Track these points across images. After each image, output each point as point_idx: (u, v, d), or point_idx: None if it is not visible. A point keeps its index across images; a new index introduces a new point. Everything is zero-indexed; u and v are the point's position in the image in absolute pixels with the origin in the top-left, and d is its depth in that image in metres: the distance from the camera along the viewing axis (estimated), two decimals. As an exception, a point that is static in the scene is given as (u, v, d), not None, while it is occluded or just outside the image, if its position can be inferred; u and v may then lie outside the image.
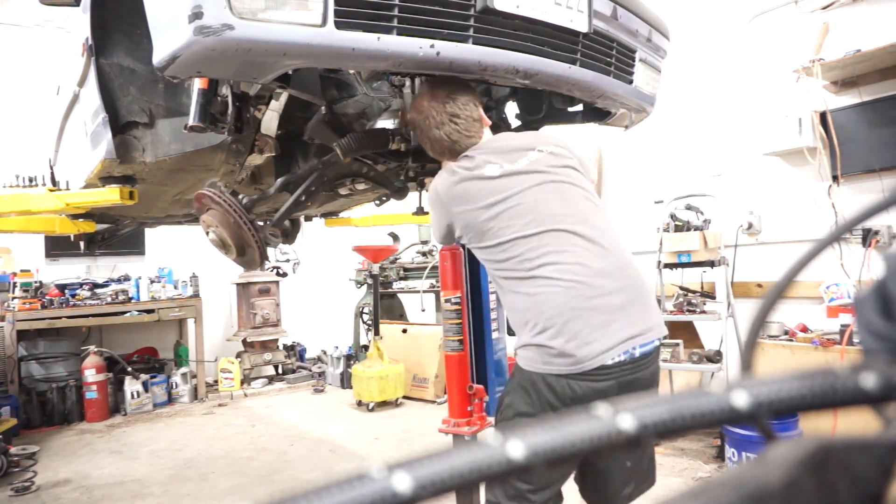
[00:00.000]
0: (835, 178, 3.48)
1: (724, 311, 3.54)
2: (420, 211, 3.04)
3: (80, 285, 5.42)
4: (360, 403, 5.09)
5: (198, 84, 1.56)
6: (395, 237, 6.07)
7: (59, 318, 5.08)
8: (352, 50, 1.31)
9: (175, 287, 5.83)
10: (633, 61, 2.00)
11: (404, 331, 5.65)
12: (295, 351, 6.67)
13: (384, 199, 2.83)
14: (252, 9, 1.20)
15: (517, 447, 0.28)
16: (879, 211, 0.36)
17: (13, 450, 4.06)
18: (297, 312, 6.79)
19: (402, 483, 0.26)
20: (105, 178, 2.23)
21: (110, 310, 5.32)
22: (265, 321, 6.26)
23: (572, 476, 1.66)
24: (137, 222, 3.78)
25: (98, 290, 5.45)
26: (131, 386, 5.27)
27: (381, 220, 4.28)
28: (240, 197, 2.08)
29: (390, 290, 6.21)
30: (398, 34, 1.35)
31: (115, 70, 1.89)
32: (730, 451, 3.04)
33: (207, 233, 2.08)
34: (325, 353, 6.76)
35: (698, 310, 3.67)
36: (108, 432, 4.77)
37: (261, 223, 2.15)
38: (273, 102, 1.83)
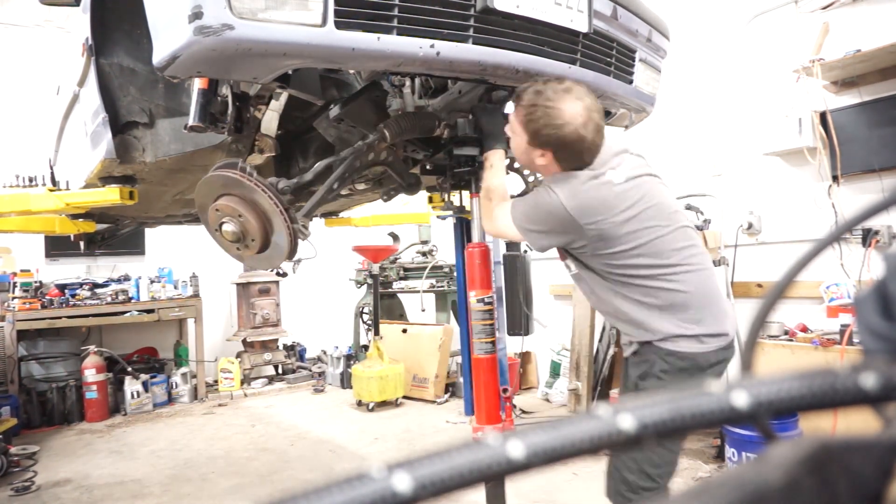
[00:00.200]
0: (835, 178, 3.48)
1: (724, 311, 3.53)
2: (461, 209, 2.67)
3: (80, 285, 5.42)
4: (360, 403, 5.09)
5: (198, 84, 1.56)
6: (395, 237, 6.07)
7: (59, 318, 5.08)
8: (352, 50, 1.31)
9: (175, 287, 5.83)
10: (633, 61, 2.00)
11: (404, 331, 5.65)
12: (295, 351, 6.67)
13: (393, 193, 2.67)
14: (252, 9, 1.20)
15: (517, 447, 0.28)
16: (879, 211, 0.36)
17: (13, 450, 4.06)
18: (297, 312, 6.79)
19: (402, 483, 0.26)
20: (105, 178, 2.23)
21: (110, 310, 5.32)
22: (265, 321, 6.26)
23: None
24: (137, 222, 3.78)
25: (98, 290, 5.45)
26: (131, 386, 5.27)
27: (381, 220, 4.27)
28: (271, 180, 1.79)
29: (390, 290, 6.21)
30: (398, 34, 1.35)
31: (115, 70, 1.89)
32: (730, 451, 3.04)
33: (222, 223, 1.75)
34: (325, 353, 6.76)
35: (698, 310, 3.66)
36: (108, 432, 4.77)
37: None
38: (273, 102, 1.82)
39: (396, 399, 5.13)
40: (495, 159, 1.84)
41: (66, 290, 5.30)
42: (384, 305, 6.02)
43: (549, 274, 5.27)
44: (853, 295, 3.25)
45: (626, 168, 1.65)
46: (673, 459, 1.67)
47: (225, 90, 1.63)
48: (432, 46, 1.40)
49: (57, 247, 5.45)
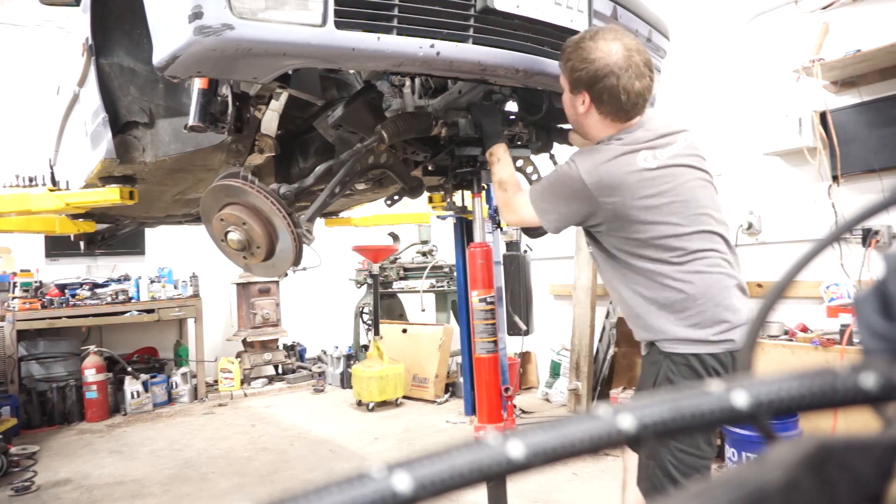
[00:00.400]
0: (835, 178, 3.48)
1: (724, 311, 3.53)
2: (463, 209, 2.65)
3: (80, 285, 5.42)
4: (359, 403, 5.09)
5: (198, 84, 1.56)
6: (395, 237, 6.07)
7: (59, 317, 5.08)
8: (352, 50, 1.31)
9: (175, 287, 5.83)
10: (633, 61, 1.99)
11: (404, 331, 5.65)
12: (295, 351, 6.67)
13: (396, 197, 2.66)
14: (252, 9, 1.20)
15: (517, 447, 0.28)
16: (879, 211, 0.36)
17: (13, 450, 4.06)
18: (297, 312, 6.79)
19: (402, 483, 0.26)
20: (105, 178, 2.23)
21: (110, 310, 5.32)
22: (265, 321, 6.27)
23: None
24: (137, 222, 3.78)
25: (98, 290, 5.45)
26: (131, 386, 5.27)
27: (381, 220, 4.27)
28: (273, 187, 1.79)
29: (390, 290, 6.21)
30: (398, 34, 1.35)
31: (115, 70, 1.89)
32: (730, 451, 3.04)
33: (227, 233, 1.75)
34: (325, 352, 6.76)
35: (698, 310, 3.66)
36: (108, 432, 4.77)
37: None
38: (273, 102, 1.82)
39: (396, 399, 5.13)
40: (500, 153, 1.85)
41: (66, 290, 5.31)
42: (384, 305, 6.02)
43: (549, 274, 5.27)
44: (853, 295, 3.25)
45: (668, 153, 1.57)
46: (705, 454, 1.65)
47: (225, 90, 1.63)
48: (432, 46, 1.40)
49: (57, 247, 5.45)
